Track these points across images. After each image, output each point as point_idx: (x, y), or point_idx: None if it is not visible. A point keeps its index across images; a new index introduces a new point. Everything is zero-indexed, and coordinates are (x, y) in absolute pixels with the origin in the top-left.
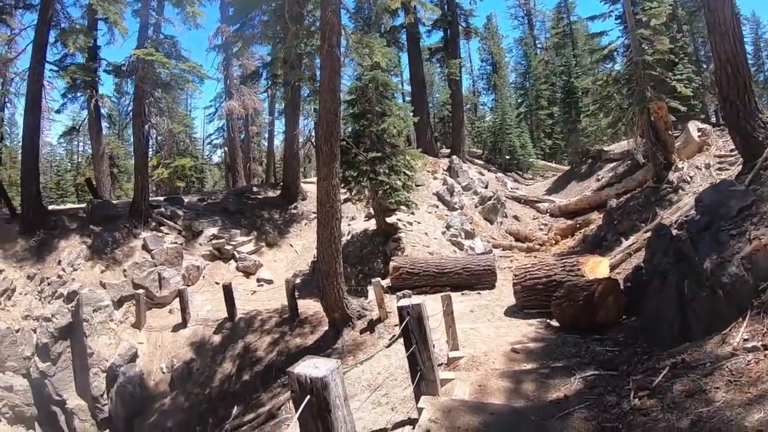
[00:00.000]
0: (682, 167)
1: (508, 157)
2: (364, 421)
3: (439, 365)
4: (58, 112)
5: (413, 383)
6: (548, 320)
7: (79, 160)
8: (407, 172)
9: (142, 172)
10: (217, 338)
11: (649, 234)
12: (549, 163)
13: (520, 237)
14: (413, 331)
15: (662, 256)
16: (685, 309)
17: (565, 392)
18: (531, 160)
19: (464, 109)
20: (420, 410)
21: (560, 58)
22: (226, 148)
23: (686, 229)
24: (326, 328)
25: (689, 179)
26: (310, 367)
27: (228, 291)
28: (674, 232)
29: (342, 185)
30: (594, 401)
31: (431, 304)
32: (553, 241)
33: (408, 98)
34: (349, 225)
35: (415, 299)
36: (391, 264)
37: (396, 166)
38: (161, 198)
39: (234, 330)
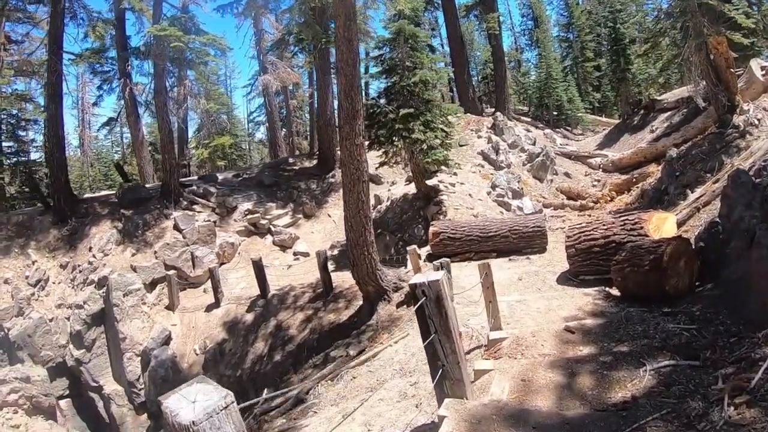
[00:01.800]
0: (748, 109)
1: (555, 112)
2: (383, 418)
3: (478, 348)
4: (95, 104)
5: (433, 381)
6: (607, 288)
7: (123, 149)
8: (444, 128)
9: (169, 151)
10: (249, 317)
11: (720, 184)
12: (599, 117)
13: (572, 195)
14: (431, 316)
15: (744, 210)
16: None
17: (633, 391)
18: (579, 114)
19: (507, 65)
20: (441, 418)
21: (603, 6)
22: (267, 124)
23: None
24: (361, 302)
25: (757, 122)
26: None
27: (259, 267)
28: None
29: (376, 147)
30: (672, 408)
31: (474, 272)
32: (608, 198)
33: (448, 58)
34: (389, 190)
35: (432, 275)
36: (431, 229)
37: (431, 122)
38: (195, 177)
39: (266, 308)
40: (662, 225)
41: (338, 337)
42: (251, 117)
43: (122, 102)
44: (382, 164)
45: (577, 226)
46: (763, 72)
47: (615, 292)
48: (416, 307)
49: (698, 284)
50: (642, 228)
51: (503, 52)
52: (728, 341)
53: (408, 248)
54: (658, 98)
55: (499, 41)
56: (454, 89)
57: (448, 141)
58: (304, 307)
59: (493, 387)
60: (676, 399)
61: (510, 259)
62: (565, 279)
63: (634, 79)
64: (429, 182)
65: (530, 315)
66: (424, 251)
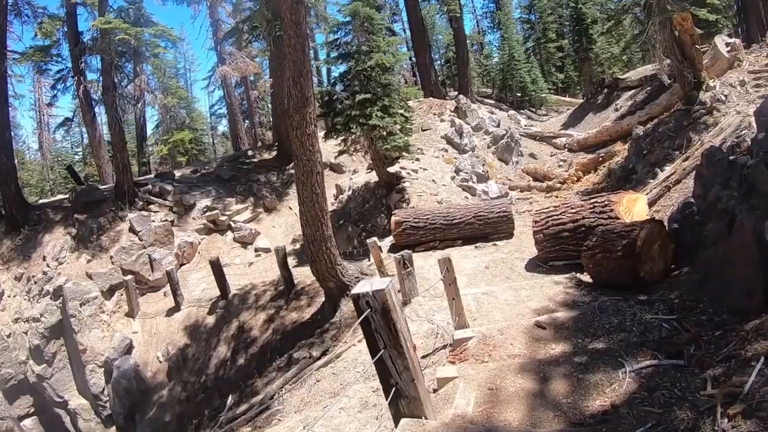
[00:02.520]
0: (715, 86)
1: (519, 94)
2: None
3: (443, 347)
4: (50, 105)
5: (387, 400)
6: (578, 275)
7: (83, 150)
8: (404, 113)
9: (121, 149)
10: (211, 319)
11: (691, 162)
12: (563, 97)
13: (539, 176)
14: (379, 330)
15: (721, 189)
16: None
17: (612, 398)
18: (543, 95)
19: (470, 48)
20: None
21: None
22: (228, 117)
23: (749, 151)
24: (323, 299)
25: (724, 98)
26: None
27: (217, 267)
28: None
29: (334, 135)
30: (658, 419)
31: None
32: (575, 178)
33: (410, 43)
34: (350, 179)
35: (377, 283)
36: (393, 219)
37: (390, 107)
38: (151, 176)
39: (228, 309)
40: (633, 206)
41: (301, 337)
42: (213, 110)
43: (78, 101)
44: (341, 153)
45: (545, 211)
46: (728, 48)
47: (586, 278)
48: (360, 319)
49: (673, 267)
50: (612, 210)
51: (465, 35)
52: (713, 334)
53: (368, 241)
54: (622, 77)
55: (460, 24)
56: (417, 74)
57: (408, 126)
58: (266, 307)
59: (458, 398)
60: (661, 408)
61: (476, 247)
62: (534, 266)
63: (597, 59)
64: (390, 169)
65: (498, 308)
66: (388, 242)
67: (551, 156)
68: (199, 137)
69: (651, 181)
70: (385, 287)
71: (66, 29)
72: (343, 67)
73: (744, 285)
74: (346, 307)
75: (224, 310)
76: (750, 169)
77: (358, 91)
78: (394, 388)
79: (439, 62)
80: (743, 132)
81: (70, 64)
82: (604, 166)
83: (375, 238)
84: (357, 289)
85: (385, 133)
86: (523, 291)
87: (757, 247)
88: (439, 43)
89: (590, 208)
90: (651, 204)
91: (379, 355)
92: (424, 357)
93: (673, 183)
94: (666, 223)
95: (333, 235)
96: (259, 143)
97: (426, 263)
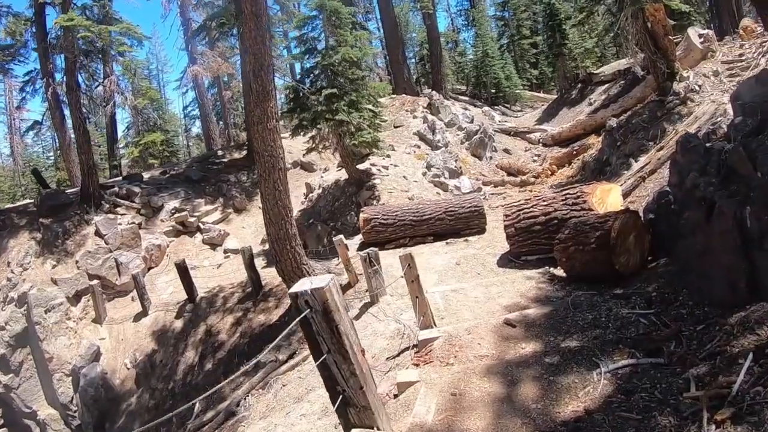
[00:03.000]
0: (688, 76)
1: (493, 90)
2: None
3: (408, 348)
4: (18, 108)
5: (334, 407)
6: (552, 269)
7: (55, 154)
8: (372, 108)
9: (86, 151)
10: (178, 324)
11: (666, 151)
12: (537, 93)
13: (513, 171)
14: (320, 333)
15: (698, 176)
16: (751, 251)
17: (586, 402)
18: (518, 91)
19: (444, 46)
20: None
21: None
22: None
23: (726, 137)
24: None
25: (698, 88)
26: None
27: (183, 270)
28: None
29: (301, 132)
30: (636, 427)
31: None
32: (549, 172)
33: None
34: (321, 177)
35: (317, 281)
36: (361, 216)
37: (357, 103)
38: (119, 178)
39: (195, 312)
40: (607, 197)
41: (269, 340)
42: (186, 111)
43: (47, 104)
44: (309, 150)
45: (515, 204)
46: (701, 39)
47: (560, 272)
48: (299, 320)
49: (650, 259)
50: (585, 202)
51: (438, 31)
52: (695, 329)
53: (335, 239)
54: (595, 72)
55: (433, 20)
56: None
57: (377, 122)
58: (234, 309)
59: (418, 405)
60: (641, 413)
61: (447, 243)
62: (506, 261)
63: (570, 54)
64: (360, 166)
65: (468, 306)
66: (357, 240)
67: (525, 151)
68: (171, 139)
69: (625, 172)
70: (325, 285)
71: (35, 29)
72: (308, 62)
73: (726, 275)
74: None
75: (192, 313)
76: (728, 154)
77: (325, 86)
78: (341, 396)
79: (413, 60)
80: (719, 119)
81: (39, 66)
82: (578, 160)
83: (341, 236)
84: (296, 288)
85: (352, 128)
86: (493, 287)
87: (739, 235)
88: (413, 40)
89: (562, 200)
90: (626, 195)
91: (322, 359)
92: (389, 359)
93: (648, 173)
94: (641, 214)
95: (298, 233)
96: (232, 143)
97: (395, 261)
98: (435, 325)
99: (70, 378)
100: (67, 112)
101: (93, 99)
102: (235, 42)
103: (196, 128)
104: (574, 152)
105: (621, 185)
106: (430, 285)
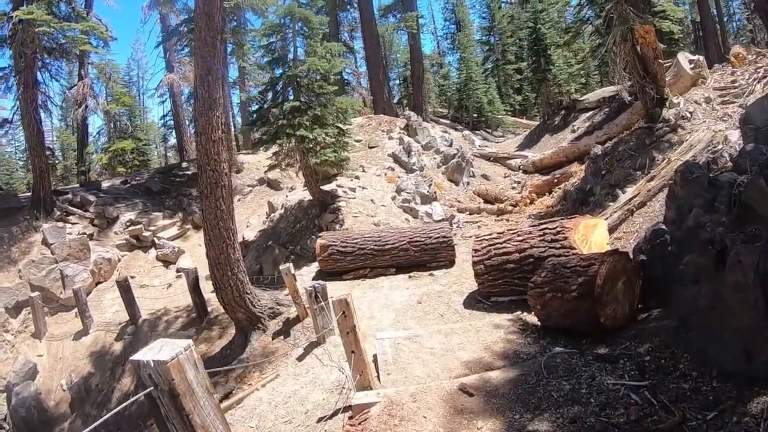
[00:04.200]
0: (678, 102)
1: (475, 114)
2: None
3: (344, 410)
4: None
5: None
6: (525, 314)
7: (25, 155)
8: (339, 125)
9: (38, 154)
10: (118, 346)
11: (657, 182)
12: (519, 119)
13: (490, 198)
14: (171, 419)
15: (704, 213)
16: None
17: None
18: (500, 116)
19: (429, 69)
20: None
21: (524, 10)
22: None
23: (736, 167)
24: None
25: (689, 115)
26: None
27: (125, 289)
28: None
29: (262, 148)
30: None
31: (367, 294)
32: (528, 200)
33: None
34: (286, 197)
35: (168, 348)
36: (318, 242)
37: (322, 118)
38: (77, 185)
39: (137, 335)
40: (591, 234)
41: (208, 374)
42: (164, 120)
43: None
44: (271, 167)
45: (486, 238)
46: (692, 65)
47: (534, 319)
48: (143, 394)
49: (640, 307)
50: (566, 239)
51: (421, 52)
52: (704, 419)
53: (281, 267)
54: (580, 98)
55: (417, 41)
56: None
57: (343, 140)
58: (175, 336)
59: None
60: None
61: (410, 276)
62: (473, 301)
63: (555, 80)
64: (326, 187)
65: (421, 359)
66: (315, 267)
67: (505, 177)
68: (143, 147)
69: (611, 204)
70: (171, 359)
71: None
72: (273, 73)
73: (741, 339)
74: (258, 342)
75: (132, 336)
76: (743, 188)
77: (288, 98)
78: None
79: (396, 81)
80: (719, 147)
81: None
82: (559, 188)
83: (289, 265)
84: (140, 354)
85: (315, 146)
86: (455, 336)
87: (762, 291)
88: (397, 62)
89: (540, 236)
90: (612, 230)
91: None
92: (321, 420)
93: (637, 206)
94: (631, 254)
95: (242, 258)
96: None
97: (352, 294)
98: (379, 382)
99: (5, 394)
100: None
101: (61, 101)
102: None
103: (173, 138)
104: (556, 180)
105: (606, 219)
106: (385, 324)
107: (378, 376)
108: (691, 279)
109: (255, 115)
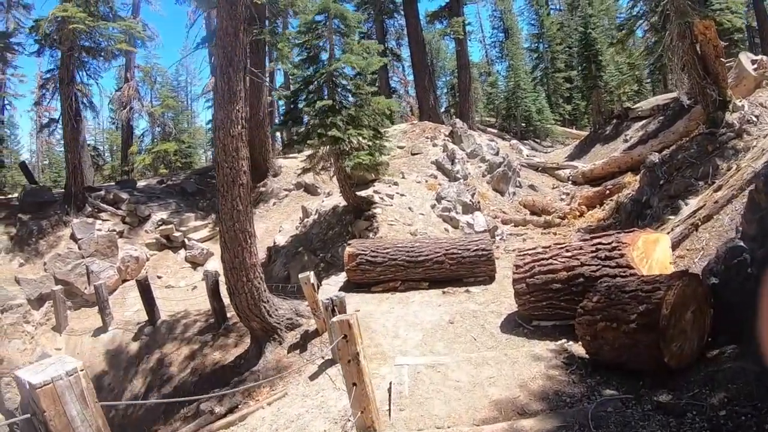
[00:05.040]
0: (743, 105)
1: (523, 124)
2: None
3: None
4: (37, 104)
5: None
6: (571, 344)
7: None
8: (378, 128)
9: (72, 148)
10: (134, 346)
11: (726, 191)
12: (569, 129)
13: (537, 209)
14: None
15: None
16: None
17: None
18: (549, 126)
19: (477, 78)
20: None
21: (574, 14)
22: None
23: None
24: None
25: (755, 119)
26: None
27: (144, 288)
28: None
29: (294, 149)
30: None
31: (395, 309)
32: (578, 213)
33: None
34: (321, 202)
35: (52, 368)
36: (347, 250)
37: (357, 119)
38: (113, 183)
39: (153, 336)
40: (652, 251)
41: (218, 383)
42: (210, 124)
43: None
44: (305, 171)
45: (530, 252)
46: (755, 66)
47: (581, 350)
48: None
49: (709, 341)
50: (623, 256)
51: (468, 58)
52: None
53: (300, 276)
54: (632, 107)
55: (463, 47)
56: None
57: (380, 143)
58: (192, 340)
59: None
60: None
61: (444, 292)
62: (512, 325)
63: (606, 87)
64: (363, 192)
65: (443, 393)
66: (342, 278)
67: (553, 188)
68: (186, 150)
69: (671, 217)
70: (44, 383)
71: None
72: (307, 71)
73: None
74: (272, 354)
75: (149, 337)
76: None
77: (321, 97)
78: None
79: (444, 89)
80: None
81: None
82: (611, 200)
83: (309, 273)
84: (24, 372)
85: (348, 148)
86: (486, 367)
87: None
88: (444, 69)
89: (592, 252)
90: (674, 246)
91: None
92: None
93: (702, 219)
94: (700, 276)
95: (259, 263)
96: None
97: (378, 308)
98: (389, 418)
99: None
100: (87, 113)
101: (108, 102)
102: None
103: None
104: (608, 192)
105: (668, 233)
106: (409, 346)
107: (389, 410)
108: None
109: (288, 115)
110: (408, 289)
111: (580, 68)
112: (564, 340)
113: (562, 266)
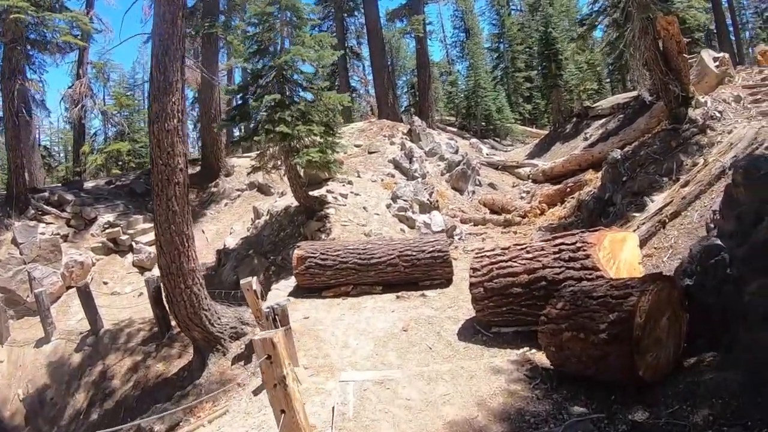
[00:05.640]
0: (705, 101)
1: (483, 122)
2: None
3: None
4: None
5: None
6: (534, 352)
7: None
8: (330, 124)
9: (15, 147)
10: (77, 358)
11: (693, 187)
12: (529, 128)
13: (497, 208)
14: None
15: None
16: None
17: None
18: (509, 125)
19: (437, 77)
20: None
21: (536, 18)
22: None
23: None
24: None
25: (718, 115)
26: None
27: (85, 296)
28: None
29: (240, 146)
30: None
31: (345, 316)
32: (538, 211)
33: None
34: (275, 202)
35: None
36: (295, 253)
37: (307, 114)
38: (59, 184)
39: (96, 347)
40: (619, 251)
41: (161, 397)
42: None
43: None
44: (255, 169)
45: (488, 254)
46: (716, 63)
47: (545, 360)
48: None
49: (686, 347)
50: (588, 257)
51: (428, 57)
52: None
53: (242, 282)
54: (592, 105)
55: (423, 45)
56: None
57: (332, 140)
58: (135, 351)
59: None
60: None
61: (399, 297)
62: (470, 332)
63: (566, 85)
64: (316, 192)
65: (392, 414)
66: (293, 281)
67: (513, 186)
68: (139, 150)
69: (636, 214)
70: None
71: None
72: (256, 65)
73: None
74: (215, 366)
75: (92, 348)
76: None
77: (270, 91)
78: None
79: (404, 88)
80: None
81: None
82: (572, 198)
83: (252, 279)
84: None
85: (298, 145)
86: (441, 382)
87: None
88: (405, 68)
89: (555, 253)
90: (641, 245)
91: None
92: None
93: (670, 216)
94: (674, 279)
95: (197, 268)
96: (189, 157)
97: (329, 315)
98: None
99: None
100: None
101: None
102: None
103: None
104: (568, 189)
105: (634, 231)
106: (359, 357)
107: None
108: (762, 314)
109: (235, 111)
110: (360, 293)
111: (540, 67)
112: (526, 349)
113: (522, 269)
